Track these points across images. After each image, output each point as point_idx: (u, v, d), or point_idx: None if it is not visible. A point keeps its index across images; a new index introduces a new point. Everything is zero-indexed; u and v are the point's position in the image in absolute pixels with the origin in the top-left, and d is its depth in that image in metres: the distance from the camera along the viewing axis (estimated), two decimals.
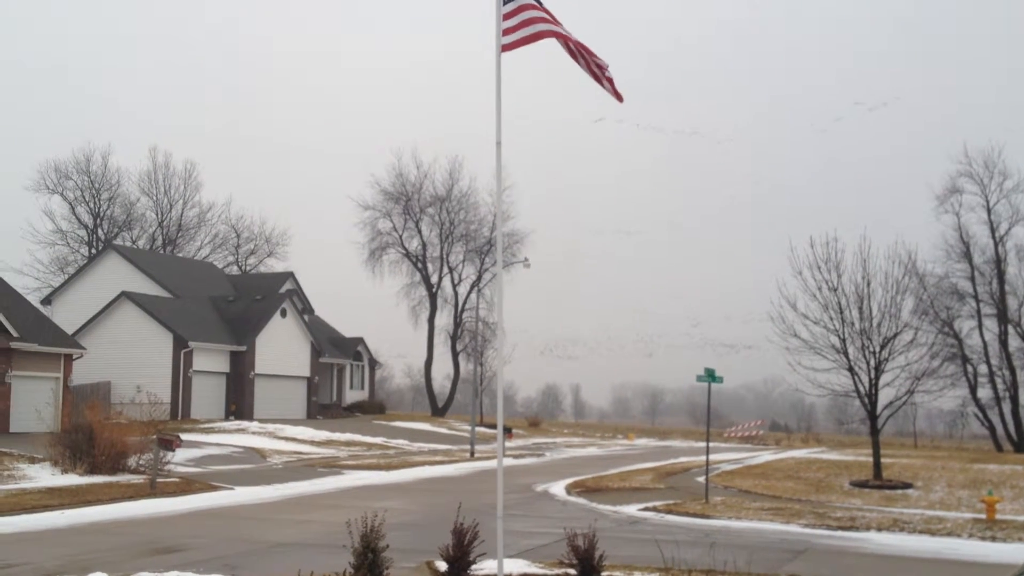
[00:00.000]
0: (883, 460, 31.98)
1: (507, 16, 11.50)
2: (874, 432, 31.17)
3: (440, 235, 77.16)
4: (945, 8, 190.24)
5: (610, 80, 11.77)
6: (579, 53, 11.62)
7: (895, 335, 30.17)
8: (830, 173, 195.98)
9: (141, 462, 26.72)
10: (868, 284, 30.45)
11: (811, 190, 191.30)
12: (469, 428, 45.66)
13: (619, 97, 12.01)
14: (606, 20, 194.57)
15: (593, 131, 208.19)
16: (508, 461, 37.91)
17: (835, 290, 30.63)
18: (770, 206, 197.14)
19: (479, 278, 75.57)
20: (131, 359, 50.03)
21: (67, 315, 53.11)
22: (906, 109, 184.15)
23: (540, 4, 11.51)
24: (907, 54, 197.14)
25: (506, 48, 11.57)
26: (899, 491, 28.82)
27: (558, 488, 27.72)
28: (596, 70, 11.70)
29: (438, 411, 77.12)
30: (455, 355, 77.43)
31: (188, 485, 24.73)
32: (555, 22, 11.50)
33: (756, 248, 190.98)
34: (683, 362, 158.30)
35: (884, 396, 30.83)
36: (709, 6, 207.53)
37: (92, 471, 25.87)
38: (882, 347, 30.09)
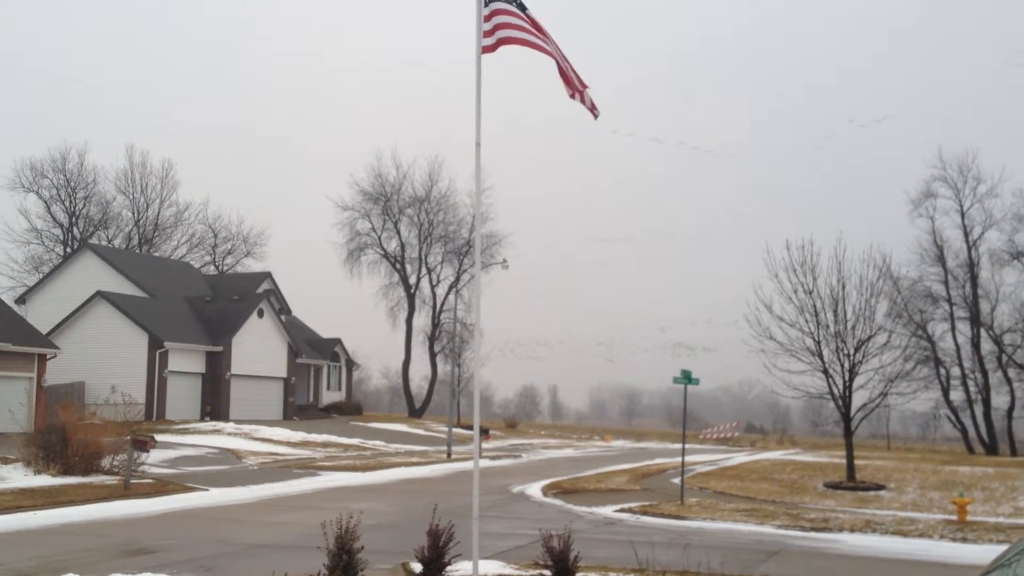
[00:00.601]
0: (856, 462, 32.21)
1: (487, 18, 11.56)
2: (848, 434, 31.39)
3: (419, 236, 77.25)
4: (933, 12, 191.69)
5: (587, 97, 11.86)
6: (560, 65, 11.70)
7: (869, 338, 30.43)
8: (818, 178, 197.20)
9: (115, 463, 26.57)
10: (843, 287, 30.70)
11: (803, 195, 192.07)
12: (446, 429, 45.67)
13: (595, 112, 12.07)
14: (601, 34, 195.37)
15: (583, 136, 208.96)
16: (485, 462, 37.93)
17: (810, 293, 30.85)
18: (752, 213, 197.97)
19: (457, 279, 75.61)
20: (106, 359, 49.75)
21: (41, 314, 52.75)
22: (895, 117, 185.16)
23: (522, 13, 11.55)
24: (895, 59, 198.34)
25: (486, 50, 11.63)
26: (872, 492, 29.05)
27: (534, 489, 27.78)
28: (577, 84, 11.77)
29: (415, 412, 77.07)
30: (433, 356, 77.45)
31: (162, 486, 24.63)
32: (534, 32, 11.55)
33: (731, 254, 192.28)
34: (639, 363, 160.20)
35: (858, 398, 31.11)
36: (704, 13, 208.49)
37: (66, 472, 25.70)
38: (856, 349, 30.33)
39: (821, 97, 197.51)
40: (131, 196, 77.44)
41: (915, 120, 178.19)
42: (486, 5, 11.58)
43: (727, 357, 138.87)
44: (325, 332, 71.39)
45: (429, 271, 77.89)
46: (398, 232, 77.27)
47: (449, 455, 40.82)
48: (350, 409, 67.72)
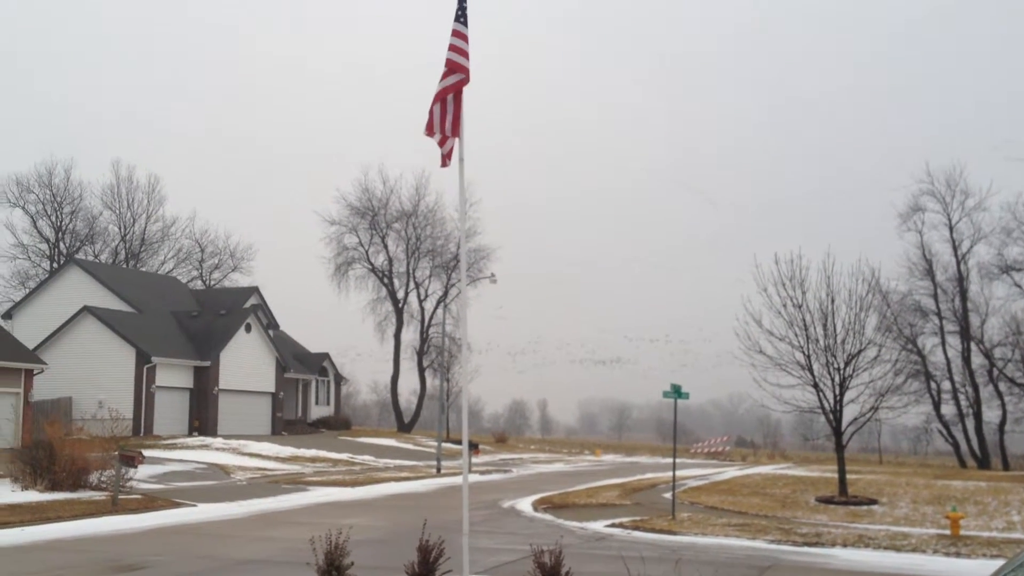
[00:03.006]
0: (848, 476, 32.13)
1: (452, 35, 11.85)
2: (839, 448, 31.31)
3: (406, 250, 77.18)
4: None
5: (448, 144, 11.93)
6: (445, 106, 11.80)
7: (859, 352, 30.33)
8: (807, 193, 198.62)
9: (103, 479, 26.36)
10: (832, 301, 30.62)
11: (791, 210, 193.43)
12: (435, 444, 45.49)
13: (445, 161, 12.14)
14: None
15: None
16: (474, 477, 37.74)
17: (800, 307, 30.77)
18: (738, 228, 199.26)
19: (445, 293, 75.57)
20: (93, 374, 49.50)
21: (28, 330, 52.47)
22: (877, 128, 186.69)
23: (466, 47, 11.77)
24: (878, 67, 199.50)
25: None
26: (864, 507, 28.96)
27: (525, 504, 27.62)
28: (448, 128, 11.83)
29: (404, 427, 76.84)
30: (421, 371, 77.27)
31: (150, 502, 24.42)
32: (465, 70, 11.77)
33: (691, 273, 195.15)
34: (555, 376, 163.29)
35: (849, 412, 31.00)
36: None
37: (53, 488, 25.49)
38: (846, 364, 30.25)
39: (811, 113, 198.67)
40: (117, 211, 77.39)
41: (902, 133, 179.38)
42: (456, 20, 11.79)
43: (628, 366, 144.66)
44: (313, 347, 71.22)
45: (417, 285, 77.85)
46: (385, 247, 77.24)
47: (439, 470, 40.64)
48: (339, 424, 67.51)
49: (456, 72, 11.74)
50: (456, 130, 11.84)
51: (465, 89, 11.95)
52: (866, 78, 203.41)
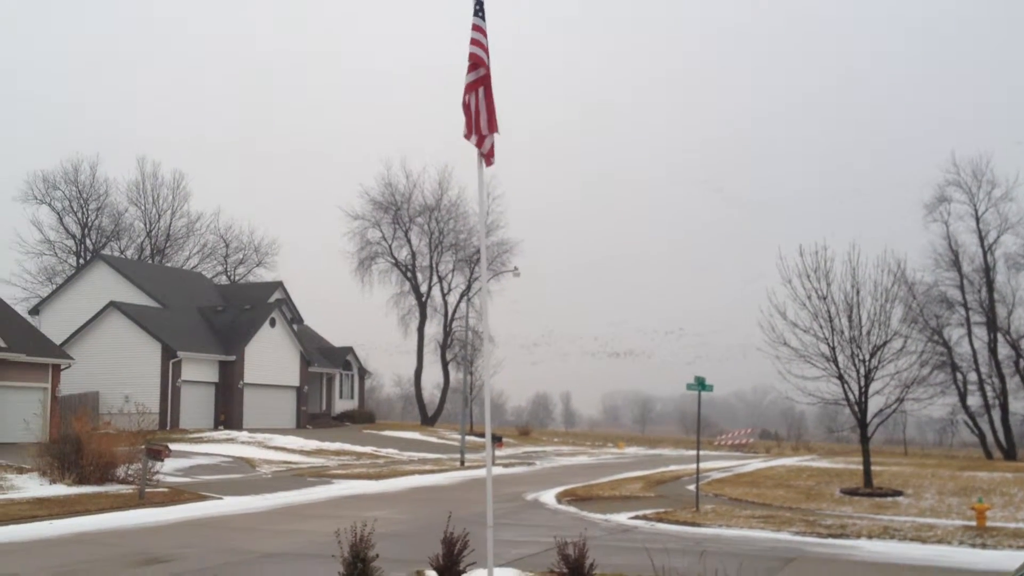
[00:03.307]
0: (873, 468, 31.98)
1: (473, 28, 11.77)
2: (864, 440, 31.17)
3: (430, 244, 77.25)
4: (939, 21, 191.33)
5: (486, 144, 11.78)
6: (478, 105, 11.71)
7: (884, 343, 30.17)
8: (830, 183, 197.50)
9: (129, 472, 26.59)
10: (857, 293, 30.47)
11: (803, 207, 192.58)
12: (459, 437, 45.57)
13: (490, 160, 11.91)
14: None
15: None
16: (498, 470, 37.81)
17: (824, 299, 30.64)
18: (756, 222, 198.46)
19: (468, 287, 75.58)
20: (119, 369, 49.88)
21: (55, 325, 52.91)
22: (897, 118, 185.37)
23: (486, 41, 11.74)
24: (899, 61, 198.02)
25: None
26: (889, 499, 28.82)
27: (548, 497, 27.65)
28: (483, 125, 11.72)
29: (428, 420, 77.01)
30: (445, 364, 77.38)
31: (177, 495, 24.60)
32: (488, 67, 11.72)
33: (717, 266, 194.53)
34: (569, 367, 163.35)
35: (874, 404, 30.88)
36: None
37: (80, 481, 25.73)
38: (872, 355, 30.10)
39: (828, 108, 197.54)
40: (143, 207, 77.94)
41: (927, 124, 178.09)
42: (475, 15, 11.72)
43: (640, 359, 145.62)
44: (337, 341, 71.51)
45: (440, 279, 77.97)
46: (409, 241, 77.39)
47: (462, 463, 40.72)
48: (363, 417, 67.76)
49: (479, 67, 11.69)
50: (493, 125, 11.65)
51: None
52: (875, 77, 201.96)
